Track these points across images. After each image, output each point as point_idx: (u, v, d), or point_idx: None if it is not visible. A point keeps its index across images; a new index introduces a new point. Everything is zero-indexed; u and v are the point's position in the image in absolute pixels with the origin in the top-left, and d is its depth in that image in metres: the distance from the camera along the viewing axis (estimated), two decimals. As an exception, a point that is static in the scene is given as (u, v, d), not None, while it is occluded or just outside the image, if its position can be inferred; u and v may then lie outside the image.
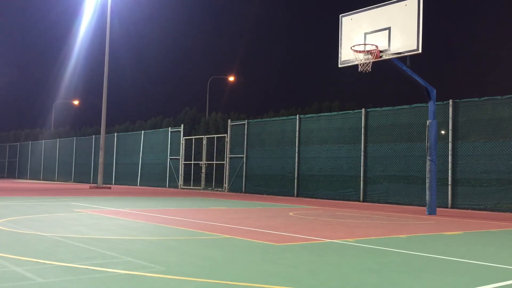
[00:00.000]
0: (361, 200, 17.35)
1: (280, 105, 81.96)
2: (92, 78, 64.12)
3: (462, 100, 15.10)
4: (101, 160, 24.44)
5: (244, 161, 22.25)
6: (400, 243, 6.77)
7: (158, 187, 27.36)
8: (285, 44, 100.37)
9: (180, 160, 26.31)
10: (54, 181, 36.81)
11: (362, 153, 17.51)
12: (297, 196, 19.69)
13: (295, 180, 19.87)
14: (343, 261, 5.21)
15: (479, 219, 11.43)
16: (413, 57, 12.30)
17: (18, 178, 42.51)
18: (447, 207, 14.77)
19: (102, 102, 24.58)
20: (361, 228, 8.54)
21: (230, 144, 23.26)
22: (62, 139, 39.22)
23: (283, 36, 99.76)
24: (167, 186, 27.03)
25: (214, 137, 25.78)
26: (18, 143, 44.91)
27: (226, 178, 23.36)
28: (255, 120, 23.08)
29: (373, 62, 12.57)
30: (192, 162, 26.05)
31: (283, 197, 19.31)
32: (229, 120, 24.17)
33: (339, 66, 13.39)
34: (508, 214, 13.10)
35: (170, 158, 27.01)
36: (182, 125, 27.59)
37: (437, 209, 13.09)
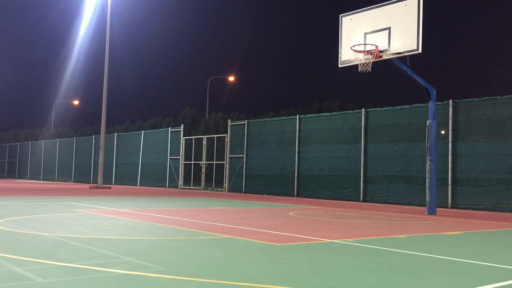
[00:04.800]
0: (361, 200, 17.35)
1: (280, 105, 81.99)
2: (92, 78, 64.17)
3: (462, 100, 15.10)
4: (101, 160, 24.44)
5: (244, 161, 22.25)
6: (400, 243, 6.77)
7: (158, 187, 27.36)
8: (285, 44, 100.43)
9: (180, 160, 26.31)
10: (54, 181, 36.81)
11: (362, 153, 17.51)
12: (297, 196, 19.69)
13: (295, 180, 19.87)
14: (343, 261, 5.21)
15: (479, 219, 11.43)
16: (413, 57, 12.30)
17: (18, 178, 42.51)
18: (447, 207, 14.77)
19: (102, 102, 24.59)
20: (361, 228, 8.54)
21: (230, 144, 23.26)
22: (62, 139, 39.23)
23: (283, 36, 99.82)
24: (167, 186, 27.03)
25: (214, 137, 25.79)
26: (18, 143, 44.91)
27: (226, 178, 23.36)
28: (255, 120, 23.08)
29: (373, 62, 12.57)
30: (192, 162, 26.05)
31: (283, 197, 19.31)
32: (229, 120, 24.17)
33: (339, 66, 13.38)
34: (508, 214, 13.10)
35: (170, 158, 27.02)
36: (182, 125, 27.59)
37: (437, 209, 13.09)
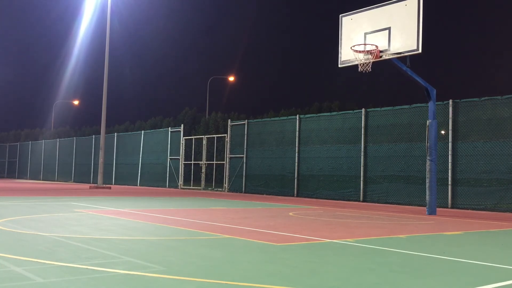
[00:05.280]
0: (361, 200, 17.35)
1: (280, 105, 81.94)
2: (92, 78, 64.19)
3: (462, 100, 15.10)
4: (101, 160, 24.44)
5: (244, 161, 22.25)
6: (400, 243, 6.77)
7: (158, 187, 27.36)
8: (285, 44, 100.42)
9: (180, 160, 26.31)
10: (54, 181, 36.81)
11: (362, 153, 17.51)
12: (297, 196, 19.68)
13: (295, 180, 19.87)
14: (343, 261, 5.21)
15: (479, 219, 11.43)
16: (413, 57, 12.30)
17: (18, 178, 42.51)
18: (447, 207, 14.77)
19: (102, 102, 24.59)
20: (361, 228, 8.54)
21: (230, 144, 23.26)
22: (62, 139, 39.23)
23: (283, 36, 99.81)
24: (167, 186, 27.03)
25: (214, 137, 25.79)
26: (18, 143, 44.91)
27: (226, 178, 23.36)
28: (255, 120, 23.08)
29: (373, 62, 12.57)
30: (192, 162, 26.05)
31: (283, 197, 19.31)
32: (229, 120, 24.17)
33: (339, 66, 13.38)
34: (508, 214, 13.10)
35: (170, 158, 27.02)
36: (182, 125, 27.59)
37: (437, 209, 13.09)
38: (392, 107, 17.11)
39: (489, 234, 8.47)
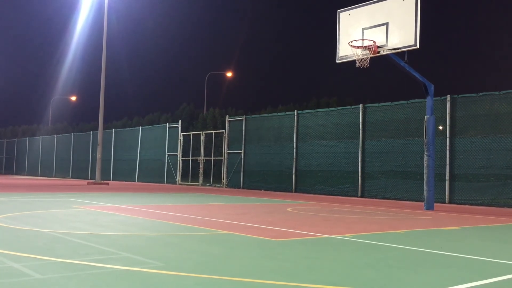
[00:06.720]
0: (359, 195, 17.38)
1: (278, 100, 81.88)
2: (89, 74, 64.17)
3: (460, 96, 15.11)
4: (98, 156, 24.42)
5: (242, 157, 22.26)
6: (398, 239, 6.78)
7: (156, 183, 27.36)
8: (283, 40, 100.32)
9: (178, 156, 26.30)
10: (52, 177, 36.77)
11: (360, 149, 17.53)
12: (295, 191, 19.70)
13: (293, 175, 19.88)
14: (341, 257, 5.22)
15: (476, 214, 11.46)
16: (411, 52, 12.28)
17: (16, 174, 42.45)
18: (444, 203, 14.80)
19: (99, 98, 24.54)
20: (359, 224, 8.56)
21: (228, 140, 23.25)
22: (60, 135, 39.16)
23: (281, 31, 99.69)
24: (165, 182, 27.02)
25: (212, 133, 25.77)
26: (15, 139, 44.83)
27: (224, 174, 23.37)
28: (253, 116, 23.06)
29: (371, 58, 12.55)
30: (190, 158, 26.04)
31: (281, 193, 19.33)
32: (227, 116, 24.15)
33: (337, 61, 13.37)
34: (505, 209, 13.14)
35: (168, 154, 27.00)
36: (180, 121, 27.55)
37: (435, 204, 13.11)
38: (390, 102, 17.12)
39: (487, 229, 8.50)
